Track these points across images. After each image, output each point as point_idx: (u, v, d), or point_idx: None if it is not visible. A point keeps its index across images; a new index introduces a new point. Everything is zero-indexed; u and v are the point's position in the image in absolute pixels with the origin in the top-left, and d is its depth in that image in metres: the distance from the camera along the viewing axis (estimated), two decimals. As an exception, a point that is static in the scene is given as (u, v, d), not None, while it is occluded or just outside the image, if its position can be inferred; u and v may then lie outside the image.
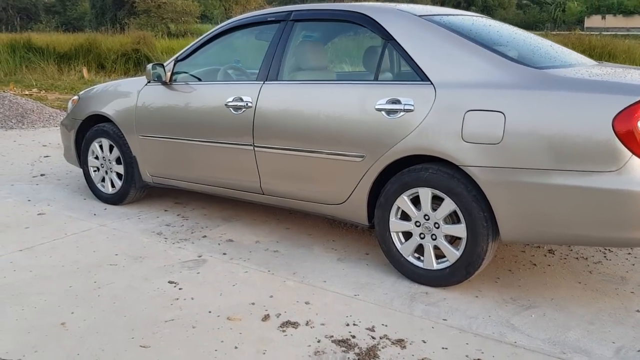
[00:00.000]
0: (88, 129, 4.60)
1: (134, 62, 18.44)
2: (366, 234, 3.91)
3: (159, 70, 3.94)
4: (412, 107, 2.96)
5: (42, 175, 5.48)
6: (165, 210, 4.43)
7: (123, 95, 4.31)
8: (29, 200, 4.64)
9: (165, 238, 3.83)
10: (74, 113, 4.65)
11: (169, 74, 3.99)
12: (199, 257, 3.51)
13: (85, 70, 15.49)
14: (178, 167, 4.04)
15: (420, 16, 3.18)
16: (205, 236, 3.86)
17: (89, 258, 3.48)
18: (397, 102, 3.01)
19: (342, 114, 3.19)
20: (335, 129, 3.21)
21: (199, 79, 4.09)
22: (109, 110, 4.33)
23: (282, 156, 3.45)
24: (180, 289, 3.08)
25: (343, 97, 3.21)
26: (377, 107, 3.06)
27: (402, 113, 2.98)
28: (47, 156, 6.31)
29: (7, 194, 4.84)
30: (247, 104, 3.56)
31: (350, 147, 3.17)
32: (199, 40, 3.99)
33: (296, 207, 3.59)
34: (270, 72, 3.55)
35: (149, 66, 3.95)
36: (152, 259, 3.47)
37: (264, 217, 4.26)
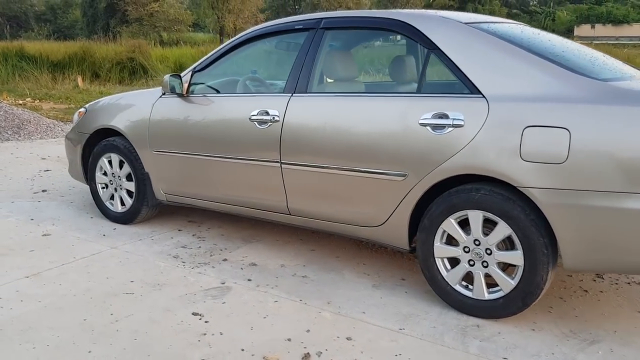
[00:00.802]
0: (95, 143, 4.31)
1: (129, 71, 18.20)
2: (397, 256, 3.65)
3: (176, 81, 3.67)
4: (461, 122, 2.70)
5: (43, 191, 5.18)
6: (179, 230, 4.15)
7: (135, 107, 4.03)
8: (32, 220, 4.35)
9: (183, 262, 3.54)
10: (80, 126, 4.37)
11: (185, 85, 3.73)
12: (223, 284, 3.23)
13: (80, 79, 15.19)
14: (195, 185, 3.77)
15: (466, 24, 2.94)
16: (225, 259, 3.59)
17: (103, 286, 3.19)
18: (445, 116, 2.75)
19: (381, 129, 2.93)
20: (374, 145, 2.95)
21: (217, 91, 3.83)
22: (119, 123, 4.05)
23: (313, 174, 3.19)
24: (206, 321, 2.80)
25: (382, 111, 2.95)
26: (421, 121, 2.81)
27: (450, 128, 2.73)
28: (47, 170, 6.01)
29: (8, 212, 4.53)
30: (273, 117, 3.29)
31: (391, 165, 2.91)
32: (218, 50, 3.72)
33: (326, 228, 3.32)
34: (298, 83, 3.29)
35: (167, 77, 3.68)
36: (171, 287, 3.19)
37: (286, 237, 3.99)
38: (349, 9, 45.32)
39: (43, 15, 54.25)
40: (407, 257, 3.62)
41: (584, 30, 66.22)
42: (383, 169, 2.94)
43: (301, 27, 3.41)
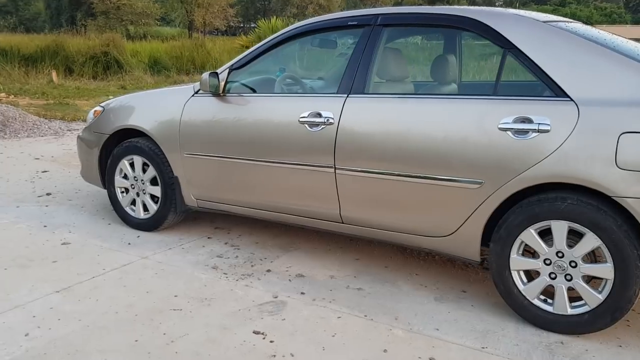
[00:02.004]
0: (114, 145, 4.02)
1: (103, 66, 17.61)
2: (449, 265, 3.48)
3: (215, 79, 3.42)
4: (548, 127, 2.54)
5: (48, 194, 4.84)
6: (209, 238, 3.89)
7: (164, 107, 3.76)
8: (45, 227, 4.03)
9: (225, 273, 3.30)
10: (97, 126, 4.07)
11: (222, 83, 3.48)
12: (275, 297, 3.00)
13: (54, 74, 14.61)
14: (233, 190, 3.52)
15: (544, 22, 2.77)
16: (269, 270, 3.36)
17: (145, 301, 2.94)
18: (528, 120, 2.59)
19: (454, 133, 2.75)
20: (446, 151, 2.77)
21: (253, 90, 3.59)
22: (145, 123, 3.78)
23: (372, 180, 2.99)
24: (271, 341, 2.57)
25: (455, 115, 2.77)
26: (501, 126, 2.64)
27: (534, 134, 2.57)
28: (45, 171, 5.65)
29: (15, 217, 4.20)
30: (327, 120, 3.08)
31: (465, 171, 2.74)
32: (260, 46, 3.48)
33: (383, 238, 3.13)
34: (354, 84, 3.08)
35: (206, 75, 3.42)
36: (221, 301, 2.95)
37: (325, 245, 3.78)
38: (320, 5, 45.08)
39: (4, 7, 52.47)
40: (459, 266, 3.46)
41: (548, 31, 67.39)
42: (456, 176, 2.76)
43: (355, 23, 3.20)
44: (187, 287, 3.12)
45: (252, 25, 65.98)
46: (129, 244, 3.74)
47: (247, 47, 20.66)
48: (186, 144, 3.61)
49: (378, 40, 3.10)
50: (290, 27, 3.42)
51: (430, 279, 3.27)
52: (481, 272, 3.38)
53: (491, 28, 2.80)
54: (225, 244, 3.79)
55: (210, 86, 3.42)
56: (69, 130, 7.98)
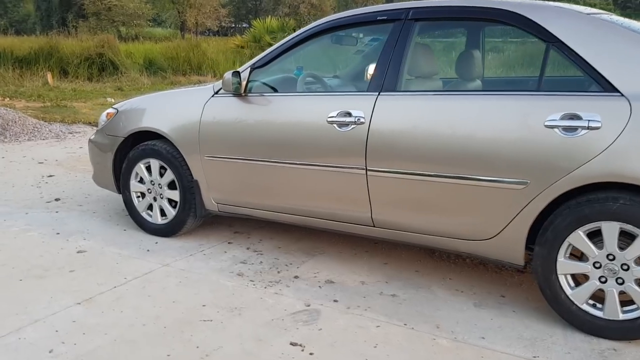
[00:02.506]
0: (128, 148, 3.88)
1: (98, 67, 17.40)
2: (481, 269, 3.36)
3: (238, 79, 3.28)
4: (598, 124, 2.42)
5: (57, 199, 4.69)
6: (229, 243, 3.76)
7: (182, 108, 3.62)
8: (58, 234, 3.88)
9: (251, 280, 3.17)
10: (111, 129, 3.92)
11: (244, 83, 3.34)
12: (308, 306, 2.87)
13: (49, 76, 14.40)
14: (256, 194, 3.39)
15: (588, 14, 2.66)
16: (297, 277, 3.23)
17: (172, 312, 2.80)
18: (577, 117, 2.47)
19: (496, 132, 2.63)
20: (487, 150, 2.65)
21: (274, 89, 3.45)
22: (162, 125, 3.63)
23: (406, 182, 2.87)
24: (311, 353, 2.45)
25: (497, 112, 2.65)
26: (547, 123, 2.52)
27: (583, 131, 2.45)
28: (50, 176, 5.49)
29: (26, 225, 4.05)
30: (357, 119, 2.95)
31: (508, 171, 2.61)
32: (283, 44, 3.35)
33: (418, 242, 3.00)
34: (386, 81, 2.96)
35: (228, 75, 3.28)
36: (252, 311, 2.82)
37: (350, 249, 3.65)
38: (312, 4, 44.86)
39: (-8, 8, 51.97)
40: (492, 269, 3.34)
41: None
42: (498, 176, 2.64)
43: (385, 17, 3.07)
44: (214, 295, 2.98)
45: (244, 25, 65.81)
46: (148, 250, 3.60)
47: (243, 47, 20.56)
48: (206, 147, 3.47)
49: (410, 36, 2.98)
50: (315, 23, 3.29)
51: (465, 284, 3.15)
52: (517, 275, 3.27)
53: (533, 21, 2.68)
54: (247, 249, 3.65)
55: (233, 86, 3.27)
56: (70, 133, 7.81)
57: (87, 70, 16.98)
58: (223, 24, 50.40)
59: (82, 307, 2.85)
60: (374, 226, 3.07)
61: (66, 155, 6.42)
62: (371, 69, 3.91)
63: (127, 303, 2.90)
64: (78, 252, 3.57)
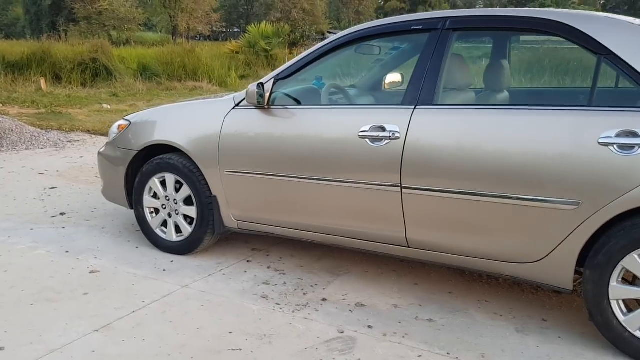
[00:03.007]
0: (140, 161, 3.70)
1: (92, 72, 17.17)
2: (516, 289, 3.21)
3: (262, 90, 3.12)
4: (658, 143, 2.28)
5: (62, 214, 4.49)
6: (248, 261, 3.58)
7: (200, 120, 3.45)
8: (67, 252, 3.69)
9: (277, 304, 3.00)
10: (123, 141, 3.74)
11: (267, 95, 3.17)
12: (341, 333, 2.71)
13: (43, 82, 14.15)
14: (280, 211, 3.22)
15: (640, 26, 2.52)
16: (325, 299, 3.06)
17: (198, 340, 2.62)
18: (633, 134, 2.33)
19: (545, 149, 2.48)
20: (535, 168, 2.50)
21: (297, 101, 3.30)
22: (179, 138, 3.46)
23: (445, 200, 2.71)
24: (352, 387, 2.27)
25: (545, 128, 2.50)
26: (601, 140, 2.37)
27: (640, 149, 2.30)
28: (53, 188, 5.29)
29: (32, 242, 3.85)
30: (392, 134, 2.80)
31: (558, 191, 2.47)
32: (309, 54, 3.19)
33: (456, 263, 2.85)
34: (422, 94, 2.81)
35: (253, 87, 3.12)
36: (282, 339, 2.65)
37: (376, 268, 3.49)
38: (303, 10, 44.82)
39: (-19, 13, 51.53)
40: (528, 290, 3.19)
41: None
42: (547, 196, 2.49)
43: (420, 27, 2.92)
44: (240, 321, 2.81)
45: (236, 30, 65.69)
46: (164, 270, 3.42)
47: (237, 52, 20.38)
48: (227, 161, 3.30)
49: (447, 46, 2.83)
50: (344, 32, 3.13)
51: (503, 306, 3.00)
52: (554, 296, 3.12)
53: (584, 33, 2.54)
54: (268, 268, 3.48)
55: (258, 98, 3.11)
56: (69, 142, 7.60)
57: (80, 75, 16.75)
58: (215, 29, 50.24)
59: (100, 335, 2.66)
60: (409, 247, 2.92)
61: (67, 166, 6.21)
62: (388, 78, 3.78)
63: (148, 330, 2.71)
64: (90, 272, 3.38)
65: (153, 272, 3.39)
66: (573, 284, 2.59)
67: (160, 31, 50.68)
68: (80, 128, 8.60)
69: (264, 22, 21.11)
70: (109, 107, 11.84)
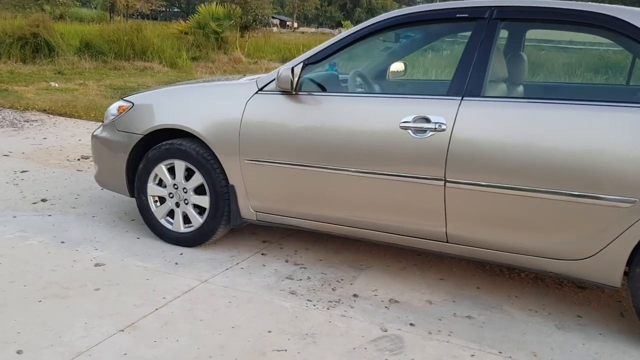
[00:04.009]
0: (141, 146, 3.45)
1: (32, 48, 16.20)
2: (539, 283, 3.20)
3: (291, 75, 2.95)
4: None
5: (43, 200, 4.16)
6: (263, 254, 3.42)
7: (219, 104, 3.23)
8: (63, 243, 3.41)
9: (309, 300, 2.86)
10: (125, 124, 3.47)
11: (295, 80, 3.00)
12: (385, 331, 2.61)
13: (-20, 56, 13.22)
14: (308, 203, 3.07)
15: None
16: (356, 295, 2.95)
17: (237, 340, 2.46)
18: (695, 134, 2.31)
19: (602, 145, 2.44)
20: (591, 164, 2.46)
21: (322, 88, 3.15)
22: (193, 123, 3.24)
23: (493, 195, 2.65)
24: (417, 390, 2.17)
25: (602, 123, 2.46)
26: (662, 139, 2.35)
27: None
28: (24, 171, 4.91)
29: (20, 231, 3.54)
30: (437, 125, 2.70)
31: (614, 189, 2.44)
32: (343, 38, 3.03)
33: (497, 259, 2.79)
34: (469, 85, 2.71)
35: (287, 71, 2.93)
36: (326, 338, 2.52)
37: (396, 262, 3.40)
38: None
39: None
40: (552, 284, 3.18)
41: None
42: (603, 193, 2.46)
43: (466, 15, 2.82)
44: (276, 319, 2.65)
45: (175, 9, 63.80)
46: (177, 264, 3.20)
47: (186, 33, 19.80)
48: (248, 149, 3.11)
49: (494, 36, 2.74)
50: (382, 16, 2.99)
51: (534, 302, 2.97)
52: (580, 291, 3.13)
53: (638, 28, 2.50)
54: (286, 261, 3.33)
55: (289, 82, 2.93)
56: (27, 122, 7.11)
57: (19, 51, 15.79)
58: (154, 8, 48.72)
59: (128, 336, 2.45)
60: (447, 242, 2.83)
61: (31, 148, 5.79)
62: (393, 67, 3.68)
63: (179, 329, 2.52)
64: (95, 265, 3.13)
65: (164, 265, 3.17)
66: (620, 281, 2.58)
67: (96, 7, 48.72)
68: (34, 107, 8.06)
69: (214, 3, 20.51)
70: (57, 85, 11.20)
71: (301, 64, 3.03)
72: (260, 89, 3.14)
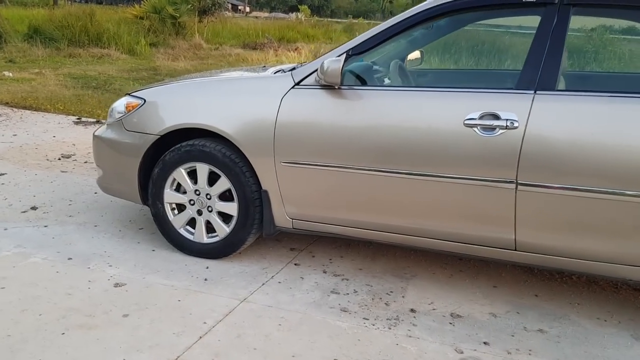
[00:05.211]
0: (153, 148, 3.09)
1: (-24, 35, 15.19)
2: (593, 286, 3.01)
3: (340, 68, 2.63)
4: None
5: (33, 208, 3.72)
6: (296, 265, 3.11)
7: (249, 100, 2.89)
8: (70, 259, 3.02)
9: (365, 318, 2.58)
10: (137, 124, 3.09)
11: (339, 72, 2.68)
12: (461, 353, 2.36)
13: None
14: (356, 209, 2.78)
15: None
16: (413, 310, 2.69)
17: (304, 373, 2.15)
18: None
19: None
20: (686, 165, 2.25)
21: (363, 81, 2.85)
22: (219, 122, 2.89)
23: (571, 199, 2.42)
24: None
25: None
26: None
27: None
28: (2, 174, 4.42)
29: (17, 246, 3.13)
30: (508, 123, 2.44)
31: None
32: (393, 26, 2.72)
33: (572, 268, 2.58)
34: (541, 77, 2.46)
35: (336, 63, 2.60)
36: (400, 365, 2.24)
37: (440, 269, 3.16)
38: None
39: None
40: (609, 288, 2.99)
41: (419, 12, 70.23)
42: (699, 196, 2.25)
43: (533, 0, 2.56)
44: (338, 344, 2.37)
45: (121, -7, 61.75)
46: (206, 280, 2.87)
47: (142, 18, 19.05)
48: (285, 150, 2.79)
49: (566, 24, 2.50)
50: (437, 1, 2.69)
51: (598, 309, 2.79)
52: (634, 293, 2.95)
53: None
54: (324, 272, 3.03)
55: (334, 75, 2.61)
56: (-11, 117, 6.52)
57: (-40, 38, 14.78)
58: (97, -9, 46.92)
59: (177, 373, 2.11)
60: (515, 249, 2.59)
61: (3, 146, 5.27)
62: (410, 55, 3.42)
63: (234, 362, 2.20)
64: (115, 285, 2.76)
65: (193, 282, 2.83)
66: None
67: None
68: (-5, 100, 7.44)
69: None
70: (11, 75, 10.46)
71: (344, 55, 2.71)
72: (297, 83, 2.81)
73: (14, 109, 7.07)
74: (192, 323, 2.46)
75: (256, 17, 38.60)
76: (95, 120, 6.57)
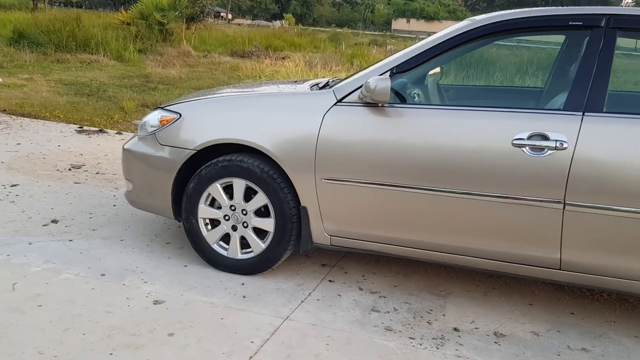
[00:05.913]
0: (185, 163, 3.05)
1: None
2: (625, 304, 3.04)
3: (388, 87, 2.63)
4: None
5: (53, 222, 3.65)
6: (330, 281, 3.10)
7: (289, 116, 2.88)
8: (103, 275, 2.97)
9: (411, 338, 2.58)
10: (172, 138, 3.05)
11: (386, 91, 2.68)
12: (513, 374, 2.35)
13: None
14: (397, 227, 2.78)
15: None
16: (457, 329, 2.69)
17: (363, 395, 2.13)
18: None
19: None
20: None
21: (402, 99, 2.86)
22: (259, 137, 2.87)
23: (617, 219, 2.45)
24: None
25: None
26: None
27: None
28: (14, 185, 4.33)
29: (45, 261, 3.06)
30: (558, 144, 2.47)
31: None
32: (440, 43, 2.73)
33: (618, 288, 2.60)
34: (589, 99, 2.49)
35: (377, 80, 2.59)
36: (456, 386, 2.23)
37: (474, 286, 3.16)
38: None
39: None
40: (638, 305, 3.03)
41: (400, 23, 71.02)
42: None
43: (580, 23, 2.59)
44: (390, 364, 2.35)
45: (102, -2, 61.13)
46: (244, 297, 2.83)
47: (129, 24, 18.90)
48: (327, 167, 2.78)
49: (613, 47, 2.54)
50: (483, 20, 2.70)
51: (634, 327, 2.82)
52: (672, 313, 2.99)
53: None
54: (360, 289, 3.02)
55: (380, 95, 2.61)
56: (-11, 124, 6.39)
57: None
58: (77, -4, 46.56)
59: (236, 396, 2.08)
60: (560, 269, 2.61)
61: (9, 155, 5.16)
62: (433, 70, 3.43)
63: (290, 384, 2.17)
64: (154, 302, 2.71)
65: (232, 299, 2.80)
66: None
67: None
68: (-15, 106, 7.29)
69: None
70: (1, 80, 10.29)
71: (388, 72, 2.71)
72: (340, 100, 2.80)
73: (12, 116, 6.94)
74: (239, 343, 2.42)
75: (239, 25, 38.50)
76: (98, 129, 6.47)
